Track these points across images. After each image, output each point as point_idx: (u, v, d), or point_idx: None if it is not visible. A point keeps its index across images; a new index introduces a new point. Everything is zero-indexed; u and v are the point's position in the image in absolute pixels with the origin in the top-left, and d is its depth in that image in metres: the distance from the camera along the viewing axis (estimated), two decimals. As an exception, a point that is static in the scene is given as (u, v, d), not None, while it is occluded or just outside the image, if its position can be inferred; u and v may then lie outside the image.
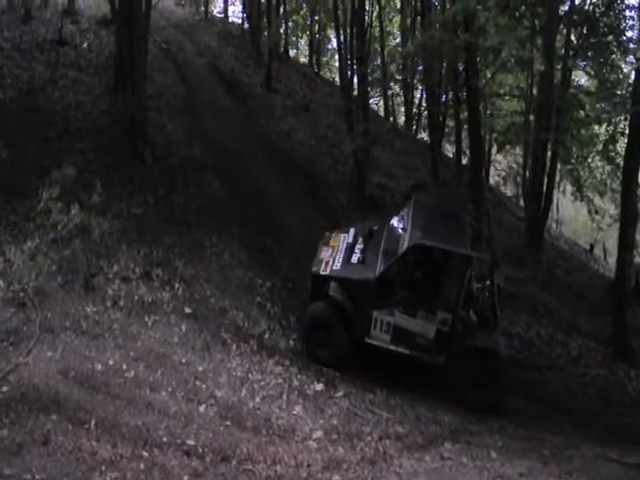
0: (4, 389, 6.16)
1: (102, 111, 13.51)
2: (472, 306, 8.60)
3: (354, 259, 8.79)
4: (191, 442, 6.09)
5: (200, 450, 6.02)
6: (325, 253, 9.12)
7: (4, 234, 9.17)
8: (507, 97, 18.63)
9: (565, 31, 13.12)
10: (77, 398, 6.31)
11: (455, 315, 8.12)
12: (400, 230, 8.72)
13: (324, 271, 8.75)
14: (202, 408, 6.76)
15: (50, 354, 6.92)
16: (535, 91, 14.72)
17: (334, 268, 8.73)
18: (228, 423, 6.63)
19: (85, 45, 16.65)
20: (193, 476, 5.60)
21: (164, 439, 6.04)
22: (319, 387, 7.95)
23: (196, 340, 8.15)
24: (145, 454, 5.77)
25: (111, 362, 7.08)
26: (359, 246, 9.03)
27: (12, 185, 10.30)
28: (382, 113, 24.77)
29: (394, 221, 9.14)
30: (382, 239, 8.88)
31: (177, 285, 9.17)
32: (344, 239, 9.33)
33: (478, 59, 13.12)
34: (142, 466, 5.58)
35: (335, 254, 9.01)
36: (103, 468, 5.42)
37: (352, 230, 9.53)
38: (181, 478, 5.54)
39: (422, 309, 8.27)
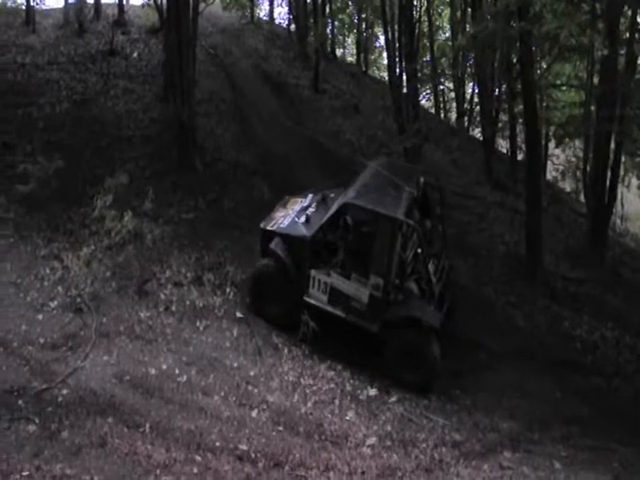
0: (64, 392, 6.45)
1: (152, 119, 13.92)
2: (415, 278, 8.58)
3: (301, 219, 9.03)
4: (244, 447, 6.19)
5: (253, 455, 6.10)
6: (279, 213, 9.45)
7: (62, 241, 9.61)
8: (565, 88, 17.98)
9: (630, 12, 12.48)
10: (132, 402, 6.52)
11: (387, 281, 8.07)
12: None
13: (271, 227, 9.07)
14: (254, 413, 6.86)
15: (106, 358, 7.18)
16: (596, 80, 14.13)
17: (280, 225, 9.04)
18: (280, 428, 6.68)
19: (135, 54, 17.20)
20: (246, 481, 5.67)
21: (217, 443, 6.15)
22: (372, 392, 7.90)
23: (247, 344, 8.26)
24: (198, 458, 5.90)
25: (164, 366, 7.28)
26: (311, 209, 9.32)
27: (68, 194, 10.78)
28: (433, 110, 24.42)
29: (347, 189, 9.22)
30: (333, 204, 8.94)
31: (228, 289, 9.32)
32: (300, 202, 9.65)
33: (533, 49, 12.69)
34: (195, 470, 5.71)
35: (287, 214, 9.32)
36: (158, 472, 5.58)
37: (310, 195, 9.83)
38: (234, 483, 5.63)
39: (356, 272, 8.34)
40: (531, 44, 11.83)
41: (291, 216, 9.21)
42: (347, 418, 7.17)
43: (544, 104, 17.96)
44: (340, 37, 28.22)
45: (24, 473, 5.20)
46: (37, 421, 5.94)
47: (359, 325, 8.38)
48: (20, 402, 6.18)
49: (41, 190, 10.54)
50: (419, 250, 8.70)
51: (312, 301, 8.68)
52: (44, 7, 19.52)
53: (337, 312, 8.51)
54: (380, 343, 8.29)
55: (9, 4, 21.14)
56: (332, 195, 9.43)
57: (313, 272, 8.58)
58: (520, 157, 18.08)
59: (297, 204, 9.62)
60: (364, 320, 8.34)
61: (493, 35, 11.41)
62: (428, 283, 8.47)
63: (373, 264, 8.15)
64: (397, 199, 8.33)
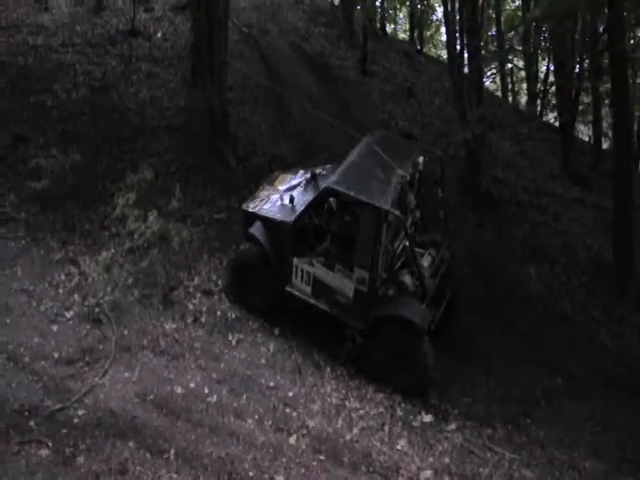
0: (80, 412, 6.64)
1: (179, 107, 14.12)
2: (409, 271, 8.54)
3: (286, 200, 9.00)
4: (280, 478, 6.23)
5: (291, 487, 6.13)
6: (264, 192, 9.54)
7: (78, 244, 9.85)
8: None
9: None
10: (156, 424, 6.66)
11: (372, 275, 8.07)
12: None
13: (253, 208, 9.17)
14: (292, 439, 6.90)
15: (127, 375, 7.36)
16: None
17: (263, 207, 9.13)
18: (322, 457, 6.70)
19: (159, 35, 17.47)
20: (282, 517, 5.73)
21: (250, 473, 6.21)
22: (427, 418, 7.84)
23: (285, 362, 8.32)
24: (229, 489, 5.96)
25: (192, 385, 7.40)
26: (299, 189, 9.32)
27: (86, 191, 11.02)
28: (499, 93, 24.07)
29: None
30: (323, 184, 8.85)
31: (264, 299, 9.37)
32: (289, 180, 9.66)
33: (625, 15, 12.29)
34: (226, 502, 5.78)
35: (273, 193, 9.38)
36: (184, 503, 5.66)
37: (301, 172, 9.83)
38: (269, 519, 5.67)
39: (340, 263, 8.44)
40: (623, 9, 11.47)
41: (276, 196, 9.27)
42: (398, 447, 7.13)
43: (637, 81, 17.45)
44: (391, 11, 28.11)
45: (35, 502, 5.36)
46: (50, 445, 6.12)
47: (344, 321, 8.46)
48: (32, 423, 6.38)
49: (56, 187, 10.78)
50: (407, 243, 8.66)
51: (295, 292, 8.81)
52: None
53: (321, 306, 8.61)
54: (368, 341, 8.33)
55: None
56: (323, 173, 9.42)
57: (296, 260, 8.68)
58: (606, 146, 17.63)
59: (285, 182, 9.68)
60: (349, 316, 8.42)
61: (574, 1, 11.14)
62: (419, 278, 8.43)
63: (357, 256, 8.20)
64: (386, 183, 8.26)
